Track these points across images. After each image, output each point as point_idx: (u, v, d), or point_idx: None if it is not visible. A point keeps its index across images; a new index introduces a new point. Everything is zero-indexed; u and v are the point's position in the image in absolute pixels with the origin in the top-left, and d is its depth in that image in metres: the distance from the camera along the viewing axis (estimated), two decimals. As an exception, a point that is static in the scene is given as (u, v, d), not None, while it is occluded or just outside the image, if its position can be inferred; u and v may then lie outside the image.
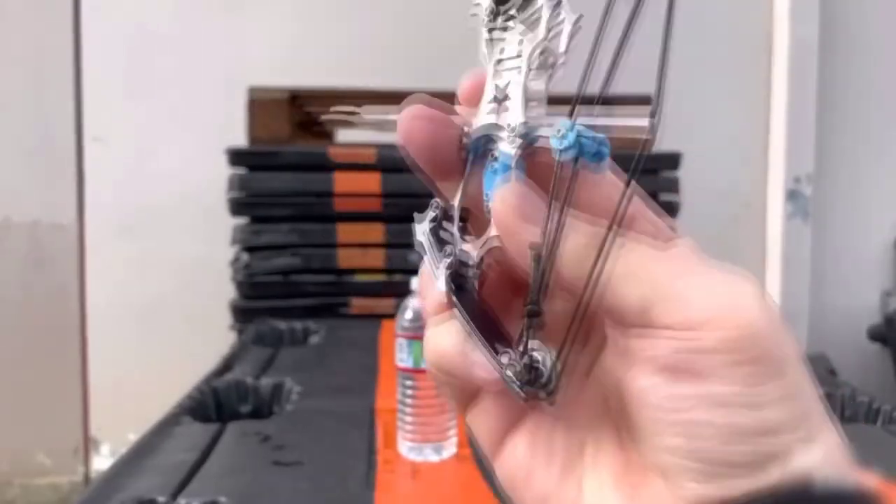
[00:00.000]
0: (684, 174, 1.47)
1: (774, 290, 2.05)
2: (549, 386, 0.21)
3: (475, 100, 0.23)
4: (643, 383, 0.20)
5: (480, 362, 0.22)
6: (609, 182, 0.22)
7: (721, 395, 0.19)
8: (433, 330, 0.23)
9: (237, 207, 1.41)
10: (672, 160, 1.46)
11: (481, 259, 0.23)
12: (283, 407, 0.88)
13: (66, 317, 1.91)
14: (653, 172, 1.46)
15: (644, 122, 0.21)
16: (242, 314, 1.41)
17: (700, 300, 0.20)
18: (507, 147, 0.22)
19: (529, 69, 0.22)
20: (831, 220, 2.09)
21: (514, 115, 0.22)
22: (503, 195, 0.21)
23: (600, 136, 0.21)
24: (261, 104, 1.45)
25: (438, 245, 0.24)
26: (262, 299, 1.40)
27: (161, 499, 0.59)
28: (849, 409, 0.88)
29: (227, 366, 1.01)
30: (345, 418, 0.80)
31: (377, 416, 0.80)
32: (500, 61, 0.23)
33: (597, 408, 0.23)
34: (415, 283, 0.68)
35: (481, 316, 0.23)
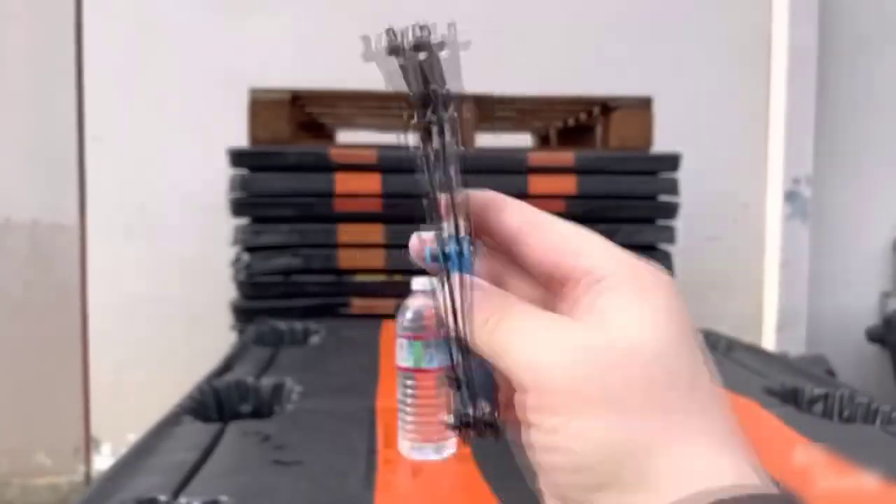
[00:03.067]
0: (683, 175, 1.47)
1: (773, 291, 2.05)
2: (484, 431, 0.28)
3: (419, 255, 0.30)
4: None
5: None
6: (504, 208, 0.30)
7: (538, 440, 0.25)
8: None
9: (238, 208, 1.41)
10: (671, 161, 1.46)
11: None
12: (283, 407, 0.88)
13: (66, 317, 1.91)
14: (652, 174, 1.46)
15: None
16: (243, 314, 1.41)
17: (524, 370, 0.26)
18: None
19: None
20: (830, 222, 2.09)
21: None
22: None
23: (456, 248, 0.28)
24: (262, 105, 1.45)
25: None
26: (263, 299, 1.40)
27: (162, 498, 0.59)
28: (847, 410, 0.88)
29: (227, 366, 1.01)
30: (345, 418, 0.80)
31: (377, 416, 0.80)
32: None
33: None
34: (416, 283, 0.68)
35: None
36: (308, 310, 1.38)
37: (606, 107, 1.54)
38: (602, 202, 1.42)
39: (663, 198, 1.47)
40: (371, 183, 1.37)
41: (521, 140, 1.95)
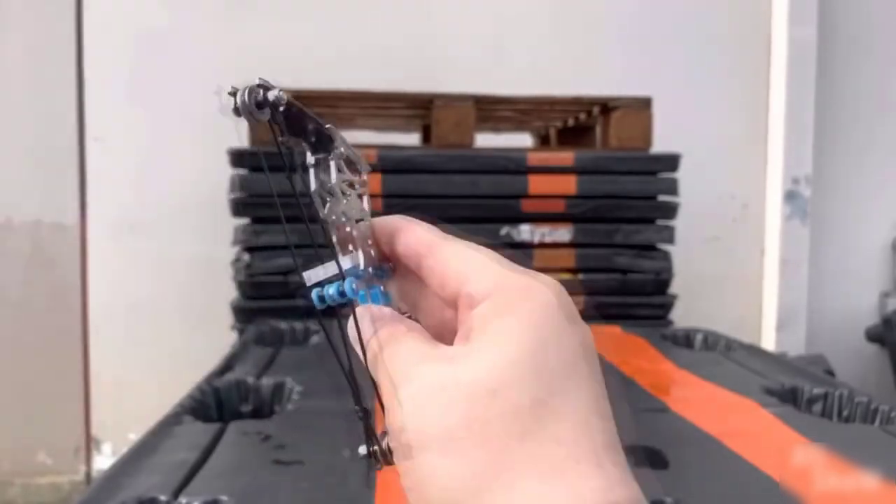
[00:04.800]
0: (683, 175, 1.47)
1: (772, 290, 2.05)
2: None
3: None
4: None
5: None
6: (409, 233, 0.31)
7: (403, 481, 0.26)
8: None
9: (238, 208, 1.42)
10: (670, 161, 1.46)
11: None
12: (283, 407, 0.89)
13: (67, 316, 1.91)
14: (651, 174, 1.47)
15: None
16: (243, 314, 1.41)
17: (388, 408, 0.27)
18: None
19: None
20: (830, 222, 2.09)
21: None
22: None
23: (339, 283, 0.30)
24: (262, 105, 1.45)
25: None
26: (263, 299, 1.40)
27: (162, 497, 0.59)
28: (846, 409, 0.88)
29: (227, 365, 1.01)
30: (345, 418, 0.80)
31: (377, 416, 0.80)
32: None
33: None
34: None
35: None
36: (308, 310, 1.38)
37: (606, 107, 1.54)
38: (601, 202, 1.42)
39: (663, 198, 1.47)
40: (371, 183, 1.37)
41: (521, 140, 1.95)
